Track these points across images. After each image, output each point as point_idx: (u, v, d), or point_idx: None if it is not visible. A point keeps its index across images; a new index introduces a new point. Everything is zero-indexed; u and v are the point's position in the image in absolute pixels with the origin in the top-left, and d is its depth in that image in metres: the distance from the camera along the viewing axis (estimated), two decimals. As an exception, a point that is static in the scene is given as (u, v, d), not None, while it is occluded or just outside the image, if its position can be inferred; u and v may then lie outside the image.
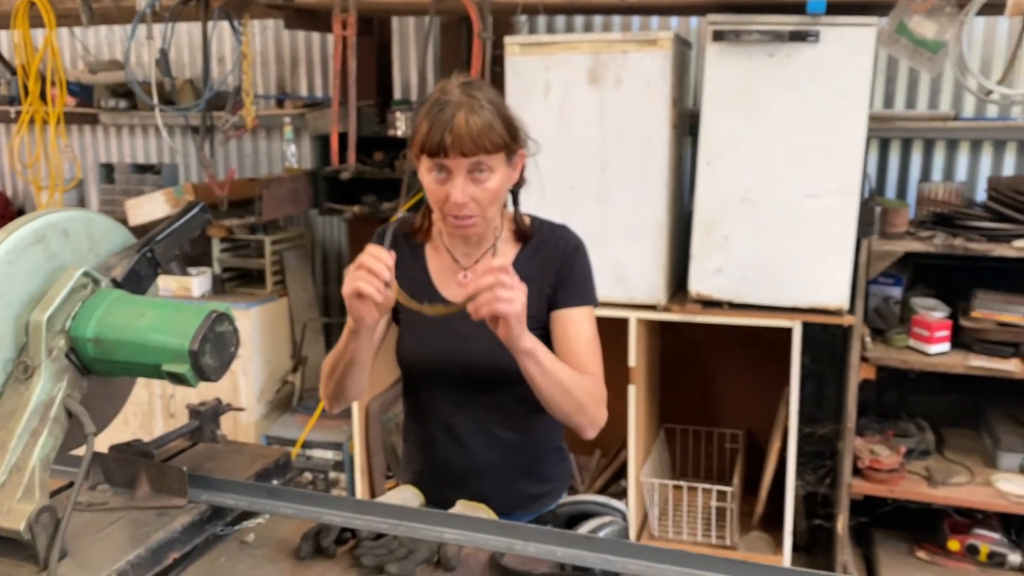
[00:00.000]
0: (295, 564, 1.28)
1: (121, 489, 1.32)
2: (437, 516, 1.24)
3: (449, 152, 1.46)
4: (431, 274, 1.64)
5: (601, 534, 1.29)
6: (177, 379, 1.16)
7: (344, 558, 1.29)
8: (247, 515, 1.37)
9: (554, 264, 1.59)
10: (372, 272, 1.35)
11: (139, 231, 1.37)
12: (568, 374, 1.48)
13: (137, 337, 1.17)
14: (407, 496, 1.54)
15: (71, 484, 1.29)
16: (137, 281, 1.29)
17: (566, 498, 1.69)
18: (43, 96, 3.55)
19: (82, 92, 4.20)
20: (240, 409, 1.58)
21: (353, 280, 1.36)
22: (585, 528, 1.31)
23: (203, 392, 3.82)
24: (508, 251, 1.62)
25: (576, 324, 1.58)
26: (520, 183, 1.65)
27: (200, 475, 1.32)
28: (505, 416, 1.52)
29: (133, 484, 1.31)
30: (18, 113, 3.76)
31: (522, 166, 1.62)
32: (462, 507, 1.48)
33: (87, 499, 1.29)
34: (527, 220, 1.66)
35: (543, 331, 1.59)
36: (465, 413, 1.61)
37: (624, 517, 1.39)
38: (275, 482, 1.44)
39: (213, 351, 1.17)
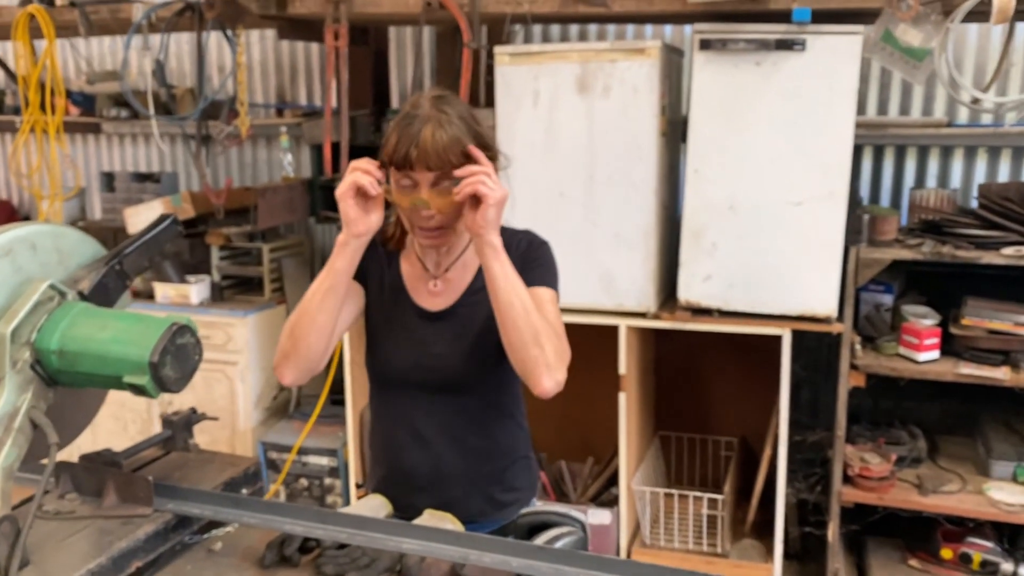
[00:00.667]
0: (260, 572, 1.30)
1: (89, 498, 1.34)
2: (396, 526, 1.26)
3: (415, 165, 1.48)
4: (404, 281, 1.66)
5: (558, 544, 1.30)
6: (138, 390, 1.18)
7: (308, 566, 1.30)
8: (217, 524, 1.39)
9: (518, 260, 1.60)
10: (366, 171, 1.46)
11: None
12: (529, 300, 1.50)
13: (99, 349, 1.20)
14: (375, 505, 1.55)
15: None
16: (105, 293, 1.31)
17: (532, 507, 1.70)
18: (44, 106, 3.60)
19: (84, 102, 4.26)
20: (214, 419, 1.60)
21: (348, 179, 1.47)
22: (543, 538, 1.32)
23: (201, 399, 3.84)
24: (472, 258, 1.64)
25: (539, 300, 1.57)
26: None
27: (167, 484, 1.35)
28: (471, 421, 1.54)
29: (101, 493, 1.33)
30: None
31: None
32: (429, 516, 1.49)
33: (55, 507, 1.31)
34: None
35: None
36: (432, 417, 1.63)
37: (584, 528, 1.40)
38: (244, 491, 1.46)
39: (174, 363, 1.19)
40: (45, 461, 1.29)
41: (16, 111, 4.25)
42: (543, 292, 1.59)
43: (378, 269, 1.67)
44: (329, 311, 1.52)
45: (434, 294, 1.64)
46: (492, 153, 1.56)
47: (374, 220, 1.49)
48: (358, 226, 1.48)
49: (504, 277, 1.48)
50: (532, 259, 1.62)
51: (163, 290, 3.75)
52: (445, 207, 1.50)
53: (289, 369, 1.56)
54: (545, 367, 1.49)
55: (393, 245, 1.68)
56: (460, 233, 1.60)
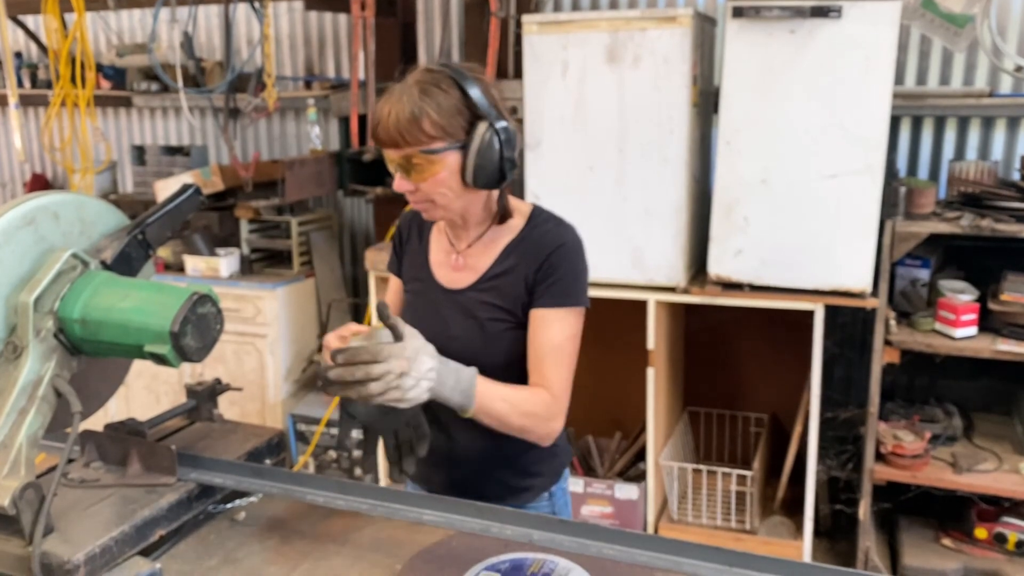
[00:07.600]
0: (282, 542, 1.30)
1: (114, 467, 1.34)
2: (418, 498, 1.25)
3: (384, 144, 1.45)
4: (430, 256, 1.63)
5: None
6: (159, 359, 1.18)
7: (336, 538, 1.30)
8: (240, 493, 1.39)
9: (533, 261, 1.52)
10: None
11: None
12: (503, 408, 1.44)
13: (121, 318, 1.19)
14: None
15: (69, 461, 1.32)
16: (128, 263, 1.31)
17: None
18: (75, 80, 3.62)
19: (115, 75, 4.28)
20: (238, 389, 1.59)
21: None
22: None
23: (232, 372, 3.84)
24: (497, 239, 1.59)
25: (546, 327, 1.51)
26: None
27: (190, 454, 1.35)
28: None
29: (125, 462, 1.33)
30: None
31: None
32: None
33: (80, 476, 1.32)
34: (527, 208, 1.61)
35: (515, 327, 1.54)
36: None
37: None
38: (268, 462, 1.46)
39: (195, 332, 1.19)
40: (69, 430, 1.29)
41: (48, 85, 4.28)
42: (553, 317, 1.51)
43: (413, 247, 1.66)
44: None
45: (456, 269, 1.59)
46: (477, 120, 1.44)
47: None
48: None
49: (481, 419, 1.43)
50: (548, 272, 1.51)
51: (193, 263, 3.77)
52: (419, 181, 1.45)
53: None
54: (538, 441, 1.51)
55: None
56: (460, 209, 1.52)
